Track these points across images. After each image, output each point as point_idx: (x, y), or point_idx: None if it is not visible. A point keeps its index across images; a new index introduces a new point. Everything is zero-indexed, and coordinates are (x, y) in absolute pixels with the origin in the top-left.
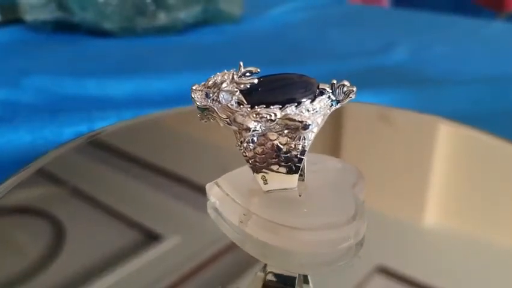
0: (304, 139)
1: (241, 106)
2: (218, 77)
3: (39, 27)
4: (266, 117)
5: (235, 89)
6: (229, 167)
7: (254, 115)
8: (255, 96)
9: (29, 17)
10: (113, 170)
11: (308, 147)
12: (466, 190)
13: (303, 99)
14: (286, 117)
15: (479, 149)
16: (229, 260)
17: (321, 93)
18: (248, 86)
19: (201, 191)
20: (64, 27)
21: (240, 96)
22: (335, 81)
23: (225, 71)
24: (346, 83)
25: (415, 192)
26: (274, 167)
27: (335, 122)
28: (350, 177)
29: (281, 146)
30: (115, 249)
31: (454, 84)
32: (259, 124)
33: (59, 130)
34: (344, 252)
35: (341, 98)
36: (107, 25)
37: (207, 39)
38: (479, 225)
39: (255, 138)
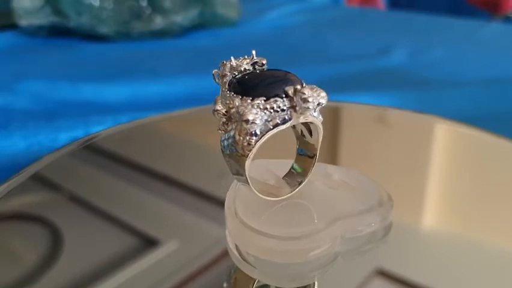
0: (251, 135)
1: (224, 89)
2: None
3: (34, 32)
4: (227, 104)
5: (228, 73)
6: (226, 171)
7: (222, 99)
8: (240, 84)
9: (23, 22)
10: (108, 175)
11: (255, 145)
12: (466, 191)
13: (259, 97)
14: (235, 108)
15: (478, 148)
16: (227, 265)
17: (286, 96)
18: (236, 73)
19: (198, 195)
20: (59, 32)
21: (227, 80)
22: (298, 87)
23: (246, 56)
24: (305, 91)
25: (413, 194)
26: (228, 158)
27: (332, 123)
28: (366, 199)
29: (237, 138)
30: (112, 254)
31: (453, 86)
32: (224, 109)
33: (54, 136)
34: (317, 263)
35: (299, 105)
36: (103, 29)
37: (203, 43)
38: (479, 227)
39: (227, 123)
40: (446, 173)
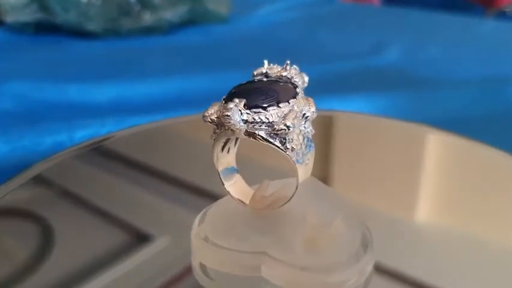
0: (213, 133)
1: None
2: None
3: (20, 28)
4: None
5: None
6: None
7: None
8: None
9: (9, 18)
10: (100, 171)
11: (215, 143)
12: (459, 194)
13: (227, 103)
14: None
15: (469, 157)
16: None
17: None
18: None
19: (191, 190)
20: (46, 29)
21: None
22: (236, 100)
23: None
24: (230, 105)
25: (409, 195)
26: None
27: (323, 134)
28: (344, 249)
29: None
30: (104, 250)
31: (448, 85)
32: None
33: (38, 140)
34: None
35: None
36: (91, 26)
37: (193, 39)
38: (474, 227)
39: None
40: (438, 177)
